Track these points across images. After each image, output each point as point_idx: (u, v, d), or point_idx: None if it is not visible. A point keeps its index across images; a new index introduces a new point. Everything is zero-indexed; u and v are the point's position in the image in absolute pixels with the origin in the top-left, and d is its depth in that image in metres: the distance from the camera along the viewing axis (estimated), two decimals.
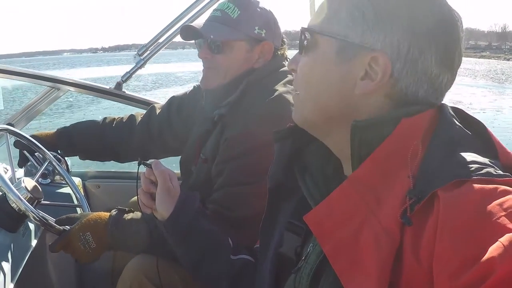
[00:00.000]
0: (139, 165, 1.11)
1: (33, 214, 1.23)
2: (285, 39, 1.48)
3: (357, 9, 0.65)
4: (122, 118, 1.80)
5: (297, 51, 0.75)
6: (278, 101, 1.30)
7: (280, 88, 1.33)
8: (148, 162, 1.07)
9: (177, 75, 25.87)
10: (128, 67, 2.14)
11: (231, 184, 1.27)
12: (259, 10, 1.38)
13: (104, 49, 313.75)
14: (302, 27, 0.71)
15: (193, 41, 1.46)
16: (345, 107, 0.68)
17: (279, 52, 1.44)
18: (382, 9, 0.64)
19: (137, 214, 1.30)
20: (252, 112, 1.30)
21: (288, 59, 1.45)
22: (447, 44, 0.65)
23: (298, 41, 0.74)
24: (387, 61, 0.64)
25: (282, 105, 1.29)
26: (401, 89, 0.66)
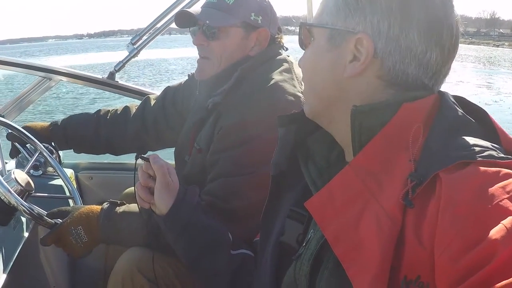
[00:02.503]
0: (136, 159, 1.08)
1: (23, 208, 1.21)
2: (281, 27, 1.44)
3: None
4: (117, 110, 1.78)
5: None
6: (274, 90, 1.28)
7: (276, 76, 1.31)
8: (145, 156, 1.04)
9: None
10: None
11: (226, 175, 1.24)
12: None
13: (89, 35, 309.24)
14: (300, 23, 0.75)
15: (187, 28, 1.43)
16: (339, 91, 0.70)
17: (276, 40, 1.41)
18: None
19: (129, 207, 1.28)
20: (247, 101, 1.27)
21: (285, 48, 1.43)
22: (429, 18, 0.65)
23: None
24: (369, 41, 0.65)
25: (278, 94, 1.26)
26: (389, 69, 0.66)
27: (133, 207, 1.27)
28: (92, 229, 1.24)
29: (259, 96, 1.27)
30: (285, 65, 1.36)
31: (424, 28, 0.65)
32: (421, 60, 0.66)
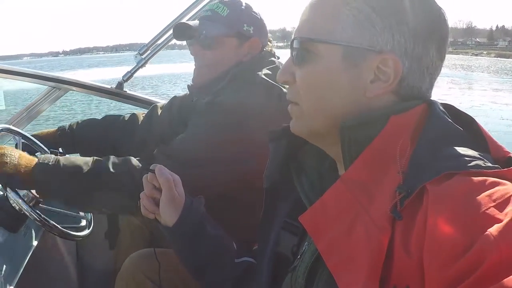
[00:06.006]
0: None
1: (33, 215, 1.23)
2: (271, 39, 1.52)
3: (360, 13, 0.64)
4: (124, 117, 1.81)
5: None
6: (262, 82, 1.33)
7: (264, 70, 1.37)
8: (151, 167, 1.05)
9: None
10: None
11: (188, 133, 1.33)
12: (244, 8, 1.43)
13: (65, 53, 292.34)
14: (297, 37, 0.70)
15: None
16: (357, 111, 0.67)
17: (266, 49, 1.48)
18: (384, 10, 0.64)
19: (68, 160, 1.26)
20: (234, 93, 1.33)
21: (276, 56, 1.49)
22: (443, 36, 0.67)
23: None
24: (397, 62, 0.64)
25: (262, 86, 1.32)
26: (408, 85, 0.67)
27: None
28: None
29: (245, 89, 1.33)
30: (277, 63, 1.44)
31: (439, 45, 0.67)
32: (433, 75, 0.68)
